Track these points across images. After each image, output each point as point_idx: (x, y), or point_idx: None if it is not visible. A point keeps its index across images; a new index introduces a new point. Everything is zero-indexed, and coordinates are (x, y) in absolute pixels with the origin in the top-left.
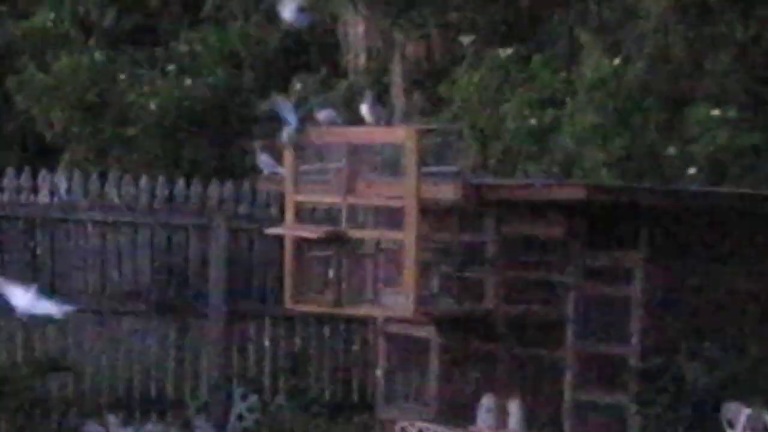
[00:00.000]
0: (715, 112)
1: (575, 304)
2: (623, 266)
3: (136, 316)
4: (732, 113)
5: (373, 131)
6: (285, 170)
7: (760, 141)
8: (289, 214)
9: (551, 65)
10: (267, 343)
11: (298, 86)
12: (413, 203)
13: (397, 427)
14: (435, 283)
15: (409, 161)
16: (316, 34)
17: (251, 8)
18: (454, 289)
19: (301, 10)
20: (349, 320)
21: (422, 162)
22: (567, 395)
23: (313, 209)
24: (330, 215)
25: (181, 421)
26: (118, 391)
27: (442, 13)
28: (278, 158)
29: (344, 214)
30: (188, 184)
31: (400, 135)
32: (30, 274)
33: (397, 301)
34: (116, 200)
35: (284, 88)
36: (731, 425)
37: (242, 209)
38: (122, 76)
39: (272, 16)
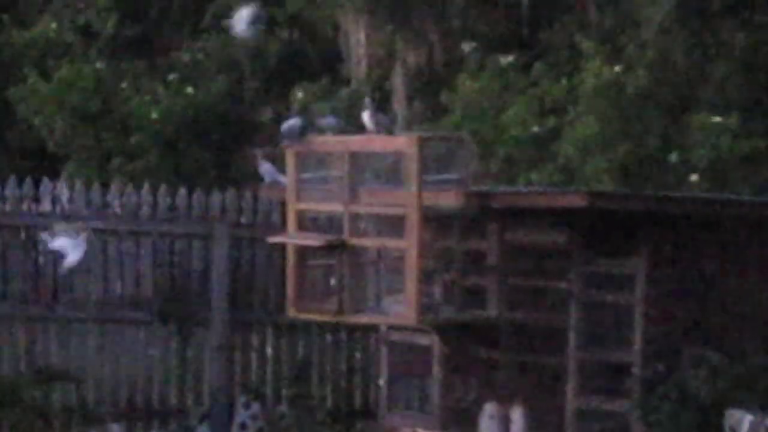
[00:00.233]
0: (716, 119)
1: (577, 312)
2: (625, 273)
3: (138, 324)
4: (733, 120)
5: (374, 139)
6: (287, 178)
7: (761, 148)
8: (291, 223)
9: (553, 73)
10: (269, 351)
11: (299, 94)
12: (415, 211)
13: None
14: (437, 291)
15: (411, 169)
16: (318, 43)
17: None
18: (456, 297)
19: (252, 22)
20: (352, 328)
21: (424, 170)
22: (569, 402)
23: (315, 217)
24: (332, 223)
25: (184, 429)
26: (121, 399)
27: (443, 21)
28: (280, 167)
29: (346, 222)
30: (190, 193)
31: (402, 143)
32: (31, 283)
33: (400, 309)
34: (118, 209)
35: (285, 97)
36: None
37: (244, 218)
38: (124, 86)
39: (273, 25)
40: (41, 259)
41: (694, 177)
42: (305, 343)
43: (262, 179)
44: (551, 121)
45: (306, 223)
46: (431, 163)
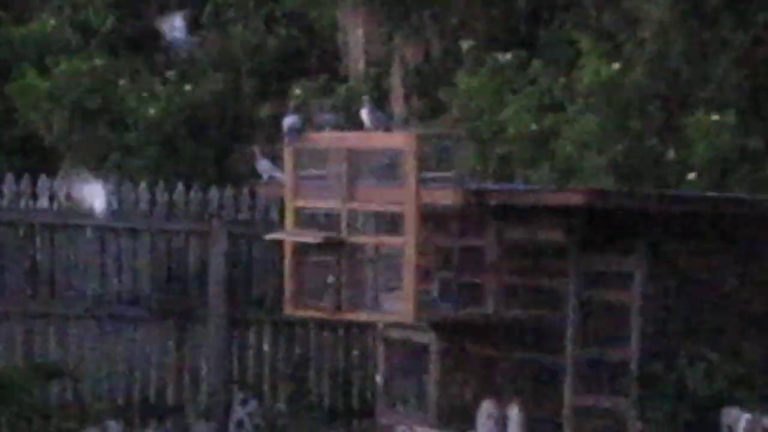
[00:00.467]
0: (715, 117)
1: (575, 309)
2: (623, 271)
3: (135, 321)
4: (731, 118)
5: (372, 137)
6: (285, 175)
7: (760, 146)
8: (289, 220)
9: (551, 70)
10: (267, 348)
11: (297, 92)
12: (413, 209)
13: None
14: (435, 289)
15: (409, 166)
16: (316, 40)
17: (251, 14)
18: (453, 295)
19: (188, 28)
20: (349, 326)
21: (422, 167)
22: (567, 400)
23: (313, 214)
24: (330, 221)
25: (181, 427)
26: (118, 397)
27: (441, 19)
28: (278, 163)
29: (344, 219)
30: (188, 190)
31: (400, 140)
32: (29, 280)
33: (397, 307)
34: (116, 206)
35: (283, 94)
36: (731, 430)
37: (242, 215)
38: (122, 82)
39: (271, 22)
40: (39, 256)
41: (692, 175)
42: (303, 341)
43: (260, 176)
44: (549, 119)
45: (304, 220)
46: (429, 160)
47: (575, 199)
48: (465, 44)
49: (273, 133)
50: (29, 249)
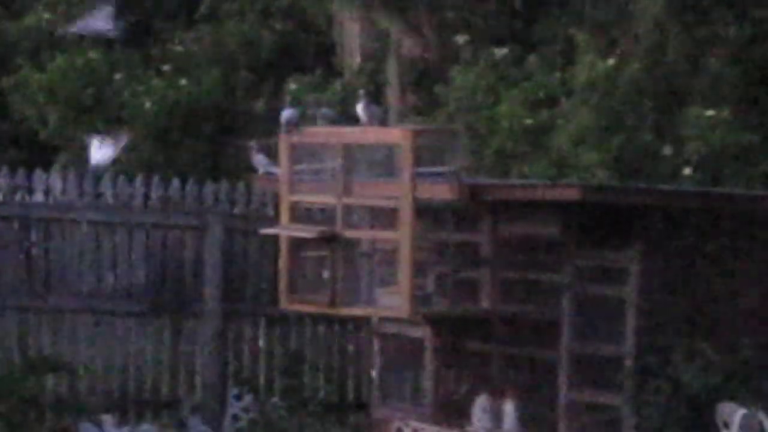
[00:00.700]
0: (710, 113)
1: (570, 305)
2: (618, 266)
3: (130, 316)
4: (726, 113)
5: (368, 131)
6: (280, 170)
7: (755, 141)
8: (285, 214)
9: (546, 65)
10: (262, 343)
11: (292, 86)
12: (408, 203)
13: (392, 427)
14: (430, 284)
15: (404, 161)
16: (311, 35)
17: (246, 8)
18: (448, 290)
19: (115, 17)
20: (344, 320)
21: (417, 162)
22: (562, 395)
23: (309, 209)
24: (325, 215)
25: (176, 421)
26: (113, 391)
27: (437, 14)
28: (274, 158)
29: (339, 214)
30: (183, 184)
31: (395, 135)
32: (25, 274)
33: (392, 302)
34: (111, 200)
35: (279, 88)
36: (726, 426)
37: (237, 209)
38: (117, 77)
39: (267, 17)
40: (34, 250)
41: (687, 170)
42: (298, 335)
43: (255, 171)
44: (545, 114)
45: (299, 214)
46: (425, 155)
47: (570, 194)
48: (461, 39)
49: (268, 128)
50: (24, 243)
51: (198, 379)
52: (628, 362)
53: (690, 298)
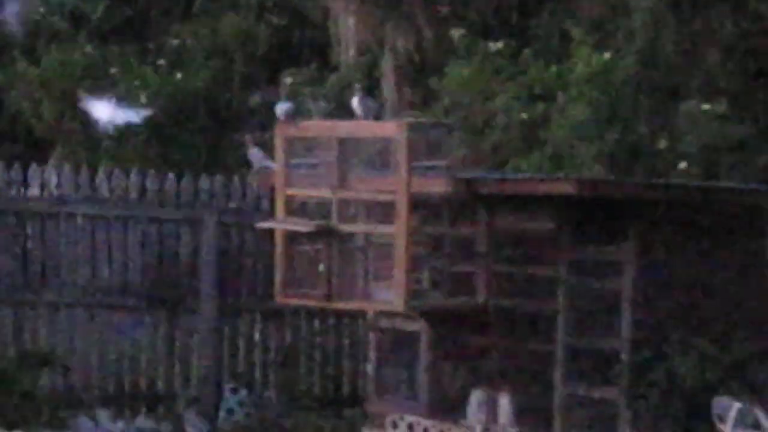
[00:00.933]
0: (706, 107)
1: (565, 298)
2: (613, 260)
3: (126, 310)
4: (722, 107)
5: (363, 125)
6: (276, 164)
7: (750, 135)
8: (280, 208)
9: (542, 59)
10: (257, 337)
11: (288, 80)
12: (404, 197)
13: (388, 421)
14: (425, 277)
15: (400, 155)
16: (307, 29)
17: (242, 2)
18: (444, 283)
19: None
20: (340, 314)
21: (413, 156)
22: (557, 389)
23: (304, 203)
24: (321, 209)
25: (172, 415)
26: (109, 385)
27: (432, 7)
28: (269, 152)
29: (335, 208)
30: (179, 178)
31: (391, 129)
32: (20, 268)
33: (388, 296)
34: (106, 194)
35: (274, 83)
36: (721, 419)
37: (233, 203)
38: (113, 70)
39: (263, 11)
40: (30, 244)
41: (683, 164)
42: (293, 329)
43: (251, 165)
44: (540, 108)
45: (295, 208)
46: (420, 149)
47: (566, 188)
48: (456, 33)
49: (264, 122)
50: (20, 237)
51: (193, 373)
52: (624, 356)
53: (685, 292)
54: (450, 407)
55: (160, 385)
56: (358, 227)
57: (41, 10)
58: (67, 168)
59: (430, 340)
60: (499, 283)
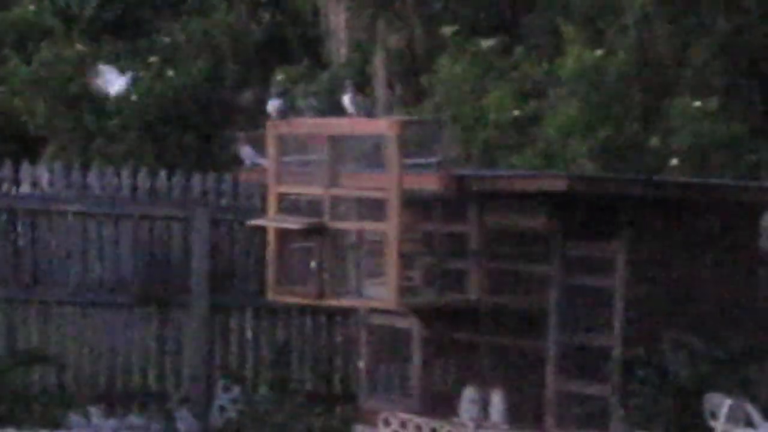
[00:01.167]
0: (697, 104)
1: (557, 295)
2: (605, 257)
3: (117, 307)
4: (713, 104)
5: (355, 122)
6: (267, 161)
7: (742, 132)
8: (272, 206)
9: (533, 56)
10: (249, 334)
11: (279, 77)
12: (395, 194)
13: (380, 418)
14: (417, 274)
15: (392, 152)
16: (298, 26)
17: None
18: (436, 281)
19: None
20: (332, 311)
21: (404, 153)
22: (549, 386)
23: (296, 200)
24: (312, 207)
25: (164, 413)
26: (100, 383)
27: (424, 4)
28: (261, 149)
29: (327, 205)
30: (170, 176)
31: (383, 126)
32: (11, 266)
33: (380, 293)
34: (98, 192)
35: (266, 80)
36: (713, 416)
37: (224, 201)
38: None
39: (255, 8)
40: (20, 242)
41: (674, 161)
42: (285, 327)
43: (242, 162)
44: (532, 105)
45: (286, 206)
46: (412, 146)
47: (557, 184)
48: (448, 30)
49: (255, 119)
50: (11, 235)
51: (185, 371)
52: (616, 353)
53: (677, 288)
54: (442, 404)
55: (151, 382)
56: (350, 224)
57: (32, 8)
58: (58, 166)
59: (423, 337)
60: (491, 279)
